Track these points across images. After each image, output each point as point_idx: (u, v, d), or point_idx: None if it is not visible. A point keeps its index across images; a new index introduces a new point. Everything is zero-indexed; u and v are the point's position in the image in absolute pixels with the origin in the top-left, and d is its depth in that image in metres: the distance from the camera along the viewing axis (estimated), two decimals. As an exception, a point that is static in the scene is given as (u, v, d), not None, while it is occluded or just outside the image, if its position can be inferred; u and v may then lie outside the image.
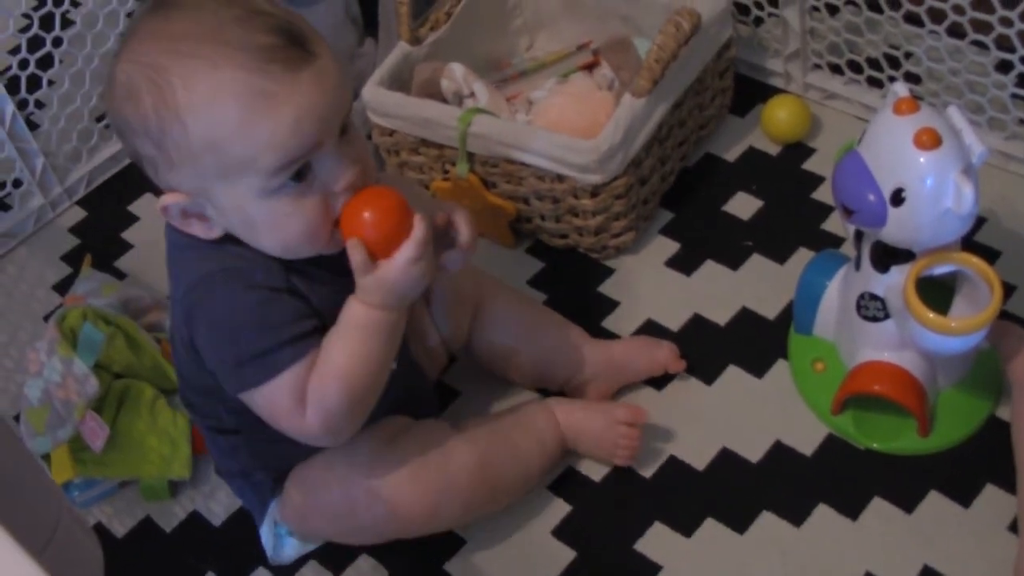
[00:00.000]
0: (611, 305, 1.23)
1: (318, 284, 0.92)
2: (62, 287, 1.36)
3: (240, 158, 0.84)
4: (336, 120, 0.86)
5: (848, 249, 1.08)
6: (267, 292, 0.89)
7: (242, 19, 0.84)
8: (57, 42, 1.41)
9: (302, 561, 1.08)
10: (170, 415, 1.15)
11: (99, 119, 1.49)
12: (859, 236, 1.03)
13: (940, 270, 0.98)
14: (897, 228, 0.95)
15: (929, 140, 0.91)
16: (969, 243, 1.19)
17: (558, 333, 1.14)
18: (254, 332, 0.89)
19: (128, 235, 1.42)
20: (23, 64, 1.41)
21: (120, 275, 1.36)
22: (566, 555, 1.06)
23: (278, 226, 0.88)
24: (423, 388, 1.11)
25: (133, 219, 1.44)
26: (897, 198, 0.93)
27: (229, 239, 0.90)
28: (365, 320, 0.90)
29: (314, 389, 0.90)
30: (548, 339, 1.14)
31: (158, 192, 0.90)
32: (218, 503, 1.14)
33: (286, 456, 1.02)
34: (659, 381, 1.16)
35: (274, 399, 0.90)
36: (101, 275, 1.31)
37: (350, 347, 0.90)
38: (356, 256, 0.87)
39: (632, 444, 1.08)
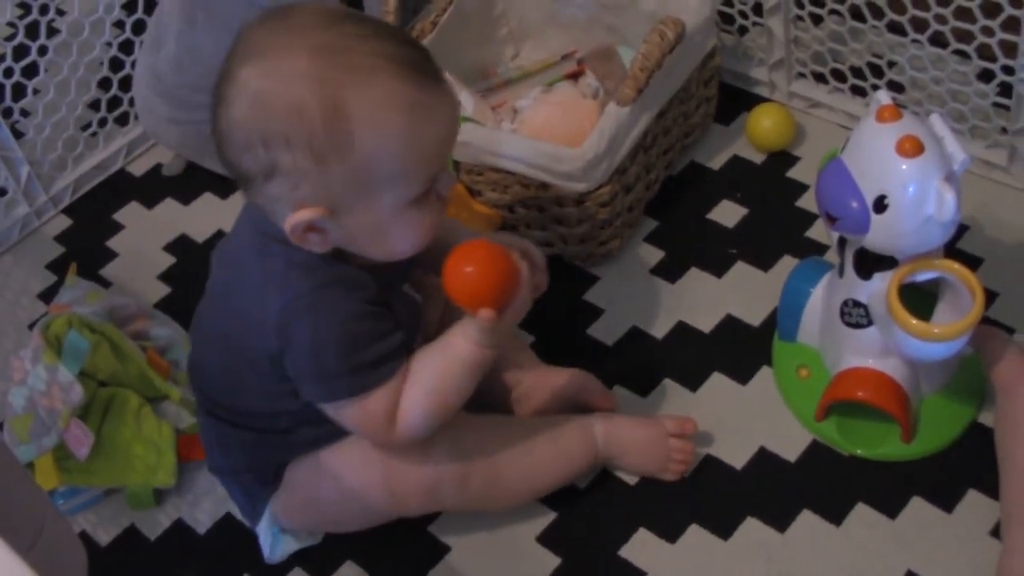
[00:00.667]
0: (596, 313, 1.24)
1: (400, 297, 0.97)
2: (47, 295, 1.36)
3: (399, 169, 0.87)
4: None
5: (832, 256, 1.08)
6: (368, 306, 0.92)
7: (376, 31, 0.87)
8: (43, 51, 1.41)
9: (287, 567, 1.08)
10: (155, 423, 1.15)
11: (84, 128, 1.49)
12: (842, 243, 1.03)
13: (923, 277, 0.99)
14: (880, 235, 0.95)
15: (911, 148, 0.92)
16: (951, 250, 1.20)
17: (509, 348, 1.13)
18: (354, 346, 0.91)
19: (113, 243, 1.42)
20: (8, 72, 1.41)
21: (105, 283, 1.36)
22: (551, 562, 1.06)
23: (406, 233, 0.91)
24: None
25: (118, 228, 1.44)
26: (880, 205, 0.94)
27: (328, 255, 0.92)
28: (473, 358, 0.94)
29: (412, 408, 0.94)
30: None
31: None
32: (203, 511, 1.14)
33: (293, 449, 1.02)
34: (643, 388, 1.16)
35: (368, 410, 0.93)
36: (86, 283, 1.30)
37: (452, 381, 0.95)
38: (488, 320, 0.91)
39: (686, 458, 1.08)
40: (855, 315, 1.04)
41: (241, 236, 0.98)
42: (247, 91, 0.85)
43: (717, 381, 1.16)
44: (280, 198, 0.88)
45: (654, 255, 1.28)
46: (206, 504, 1.15)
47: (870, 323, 1.03)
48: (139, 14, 1.47)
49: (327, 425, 0.97)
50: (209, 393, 1.03)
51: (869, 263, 1.00)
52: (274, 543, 1.07)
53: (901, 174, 0.92)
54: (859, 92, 1.34)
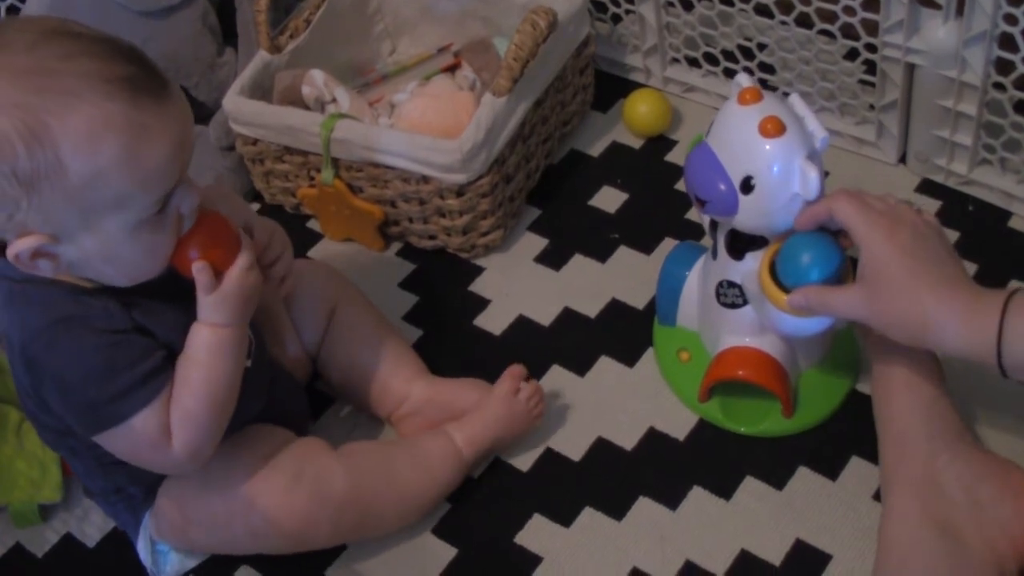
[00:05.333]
0: (483, 303, 1.24)
1: (158, 315, 0.92)
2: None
3: (120, 193, 0.83)
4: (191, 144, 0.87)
5: (707, 239, 1.10)
6: (111, 335, 0.89)
7: (87, 48, 0.82)
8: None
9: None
10: (38, 438, 1.12)
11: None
12: (714, 225, 1.05)
13: (791, 254, 1.01)
14: (749, 215, 0.97)
15: (773, 128, 0.93)
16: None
17: (395, 360, 1.13)
18: (104, 378, 0.88)
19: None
20: None
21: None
22: (447, 552, 1.06)
23: (141, 255, 0.88)
24: (291, 392, 1.11)
25: (-7, 240, 1.41)
26: (747, 186, 0.95)
27: (62, 281, 0.89)
28: (213, 340, 0.92)
29: (179, 419, 0.91)
30: (385, 363, 1.12)
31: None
32: (91, 525, 1.12)
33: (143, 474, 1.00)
34: (532, 375, 1.16)
35: (134, 437, 0.90)
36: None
37: (204, 371, 0.92)
38: (203, 277, 0.90)
39: (539, 398, 1.09)
40: (730, 295, 1.05)
41: None
42: None
43: (604, 365, 1.18)
44: (4, 229, 0.84)
45: (538, 243, 1.29)
46: (95, 518, 1.12)
47: (745, 303, 1.05)
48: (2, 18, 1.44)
49: None
50: (45, 436, 1.01)
51: (741, 244, 1.02)
52: (159, 560, 1.06)
53: (765, 154, 0.94)
54: (732, 75, 1.35)
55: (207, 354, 0.92)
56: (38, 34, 0.82)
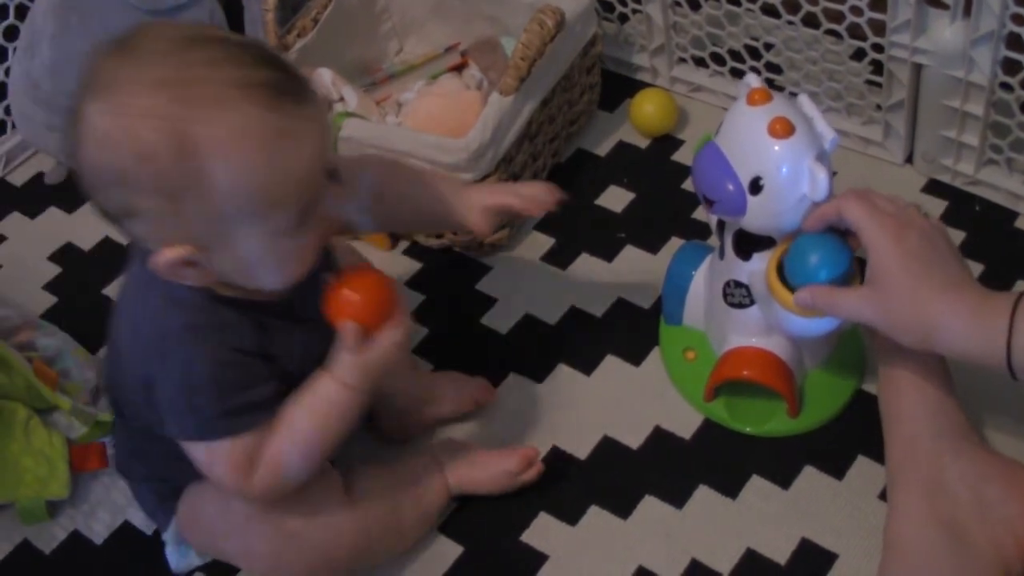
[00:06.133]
0: (489, 302, 1.25)
1: (286, 336, 0.91)
2: (-72, 311, 1.32)
3: (264, 201, 0.81)
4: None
5: (713, 239, 1.10)
6: (237, 355, 0.88)
7: (229, 54, 0.80)
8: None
9: None
10: (45, 435, 1.12)
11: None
12: (721, 225, 1.05)
13: (799, 254, 1.01)
14: (757, 216, 0.97)
15: (782, 129, 0.93)
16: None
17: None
18: (216, 393, 0.88)
19: (-5, 255, 1.40)
20: None
21: (-12, 296, 1.33)
22: (454, 551, 1.06)
23: (286, 261, 0.86)
24: None
25: (0, 239, 1.41)
26: (755, 186, 0.95)
27: (209, 292, 0.88)
28: (336, 399, 0.90)
29: (270, 458, 0.90)
30: None
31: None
32: (99, 521, 1.12)
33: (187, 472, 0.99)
34: (539, 374, 1.17)
35: (220, 456, 0.90)
36: (-32, 297, 1.27)
37: (315, 423, 0.91)
38: (350, 337, 0.89)
39: (533, 478, 1.08)
40: (737, 295, 1.06)
41: (133, 261, 0.93)
42: (93, 131, 0.79)
43: (611, 364, 1.18)
44: (147, 237, 0.84)
45: (544, 242, 1.29)
46: (102, 514, 1.13)
47: (752, 303, 1.05)
48: (11, 20, 1.44)
49: None
50: (114, 394, 1.01)
51: (748, 244, 1.02)
52: (180, 554, 1.06)
53: (774, 155, 0.94)
54: (738, 75, 1.36)
55: (325, 408, 0.90)
56: (179, 40, 0.80)
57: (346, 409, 0.91)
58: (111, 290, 1.33)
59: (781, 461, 1.08)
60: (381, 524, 1.02)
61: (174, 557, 1.06)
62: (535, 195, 1.04)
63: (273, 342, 0.91)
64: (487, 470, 1.07)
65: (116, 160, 0.79)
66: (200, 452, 0.91)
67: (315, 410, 0.91)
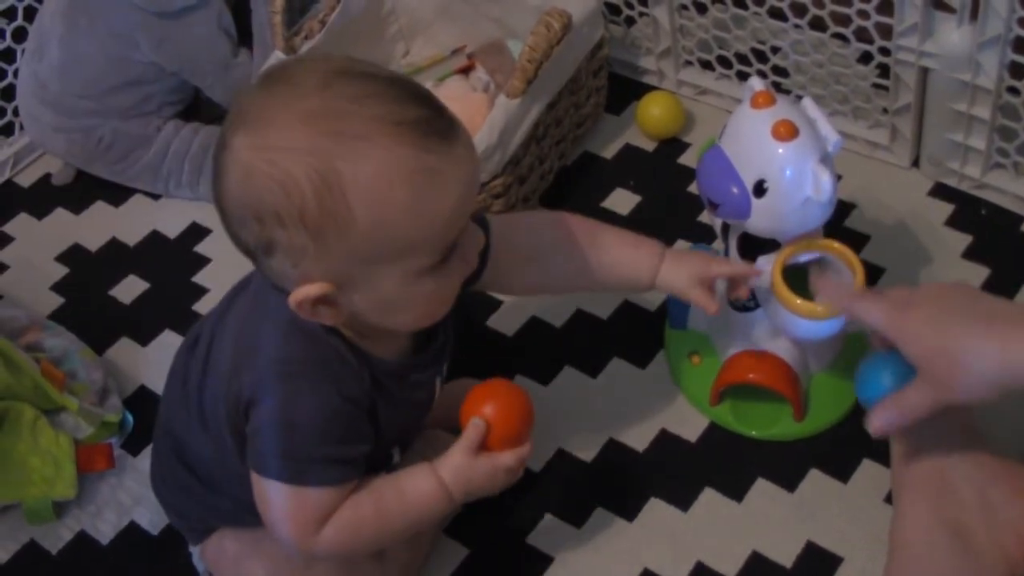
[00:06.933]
0: (495, 304, 1.25)
1: (394, 407, 0.90)
2: (-64, 311, 1.33)
3: (407, 242, 0.79)
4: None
5: (718, 242, 1.10)
6: (348, 405, 0.86)
7: (376, 89, 0.78)
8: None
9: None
10: (52, 435, 1.13)
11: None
12: (726, 228, 1.05)
13: (804, 257, 1.01)
14: (761, 219, 0.97)
15: (786, 132, 0.93)
16: (840, 228, 1.24)
17: None
18: (314, 438, 0.85)
19: (3, 256, 1.40)
20: None
21: (-5, 297, 1.34)
22: (459, 552, 1.07)
23: (425, 303, 0.85)
24: None
25: (8, 239, 1.42)
26: (759, 189, 0.96)
27: (336, 331, 0.86)
28: (431, 495, 0.89)
29: (346, 522, 0.87)
30: None
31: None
32: (105, 522, 1.13)
33: (228, 518, 0.99)
34: (544, 376, 1.17)
35: (293, 503, 0.86)
36: (-25, 298, 1.28)
37: (403, 509, 0.89)
38: (475, 436, 0.88)
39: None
40: (741, 299, 1.06)
41: (255, 281, 0.90)
42: (237, 163, 0.78)
43: (616, 366, 1.18)
44: (283, 273, 0.81)
45: (551, 245, 1.29)
46: (108, 515, 1.13)
47: (757, 306, 1.05)
48: (19, 21, 1.45)
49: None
50: (171, 423, 0.98)
51: (752, 247, 1.02)
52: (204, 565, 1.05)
53: (778, 158, 0.94)
54: (745, 78, 1.34)
55: (417, 501, 0.89)
56: (329, 74, 0.78)
57: (434, 511, 0.90)
58: (118, 291, 1.34)
59: (786, 464, 1.08)
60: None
61: (201, 565, 1.05)
62: (748, 266, 1.02)
63: (383, 400, 0.89)
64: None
65: (260, 194, 0.77)
66: (272, 490, 0.86)
67: (408, 498, 0.89)
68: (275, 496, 0.87)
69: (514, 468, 0.90)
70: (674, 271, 1.00)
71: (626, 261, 1.01)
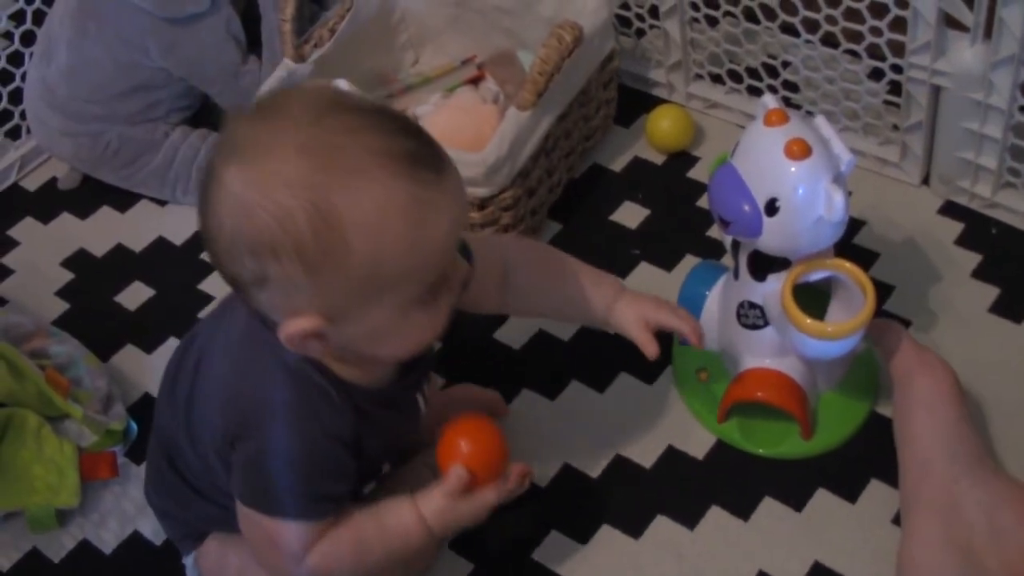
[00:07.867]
0: (502, 318, 1.24)
1: (379, 428, 0.91)
2: (-60, 315, 1.32)
3: (400, 274, 0.79)
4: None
5: (728, 259, 1.10)
6: (332, 443, 0.87)
7: (369, 122, 0.78)
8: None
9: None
10: (56, 443, 1.12)
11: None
12: (736, 246, 1.05)
13: (815, 276, 1.00)
14: (773, 237, 0.97)
15: (799, 150, 0.93)
16: (849, 246, 1.23)
17: None
18: (296, 472, 0.86)
19: (8, 260, 1.39)
20: None
21: (0, 301, 1.33)
22: (463, 567, 1.06)
23: (413, 334, 0.85)
24: None
25: (13, 244, 1.41)
26: (771, 208, 0.95)
27: (321, 367, 0.86)
28: (413, 533, 0.90)
29: (328, 552, 0.88)
30: None
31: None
32: (108, 531, 1.12)
33: (218, 523, 0.99)
34: (551, 391, 1.17)
35: (278, 535, 0.88)
36: (-20, 303, 1.28)
37: (384, 544, 0.90)
38: (457, 484, 0.90)
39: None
40: (751, 316, 1.05)
41: (235, 312, 0.89)
42: (230, 196, 0.77)
43: (624, 381, 1.17)
44: (273, 306, 0.81)
45: (558, 258, 1.29)
46: (112, 524, 1.13)
47: (766, 324, 1.05)
48: (28, 25, 1.45)
49: None
50: (161, 422, 0.99)
51: (763, 265, 1.02)
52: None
53: (790, 177, 0.94)
54: (755, 92, 1.36)
55: (398, 536, 0.90)
56: (319, 105, 0.78)
57: (414, 545, 0.91)
58: (123, 297, 1.33)
59: (794, 483, 1.08)
60: None
61: (194, 573, 1.05)
62: (695, 324, 1.04)
63: (368, 428, 0.89)
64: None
65: (256, 228, 0.76)
66: (258, 521, 0.88)
67: (388, 534, 0.90)
68: (256, 526, 0.89)
69: (494, 503, 0.92)
70: (625, 311, 1.04)
71: (585, 295, 1.04)
